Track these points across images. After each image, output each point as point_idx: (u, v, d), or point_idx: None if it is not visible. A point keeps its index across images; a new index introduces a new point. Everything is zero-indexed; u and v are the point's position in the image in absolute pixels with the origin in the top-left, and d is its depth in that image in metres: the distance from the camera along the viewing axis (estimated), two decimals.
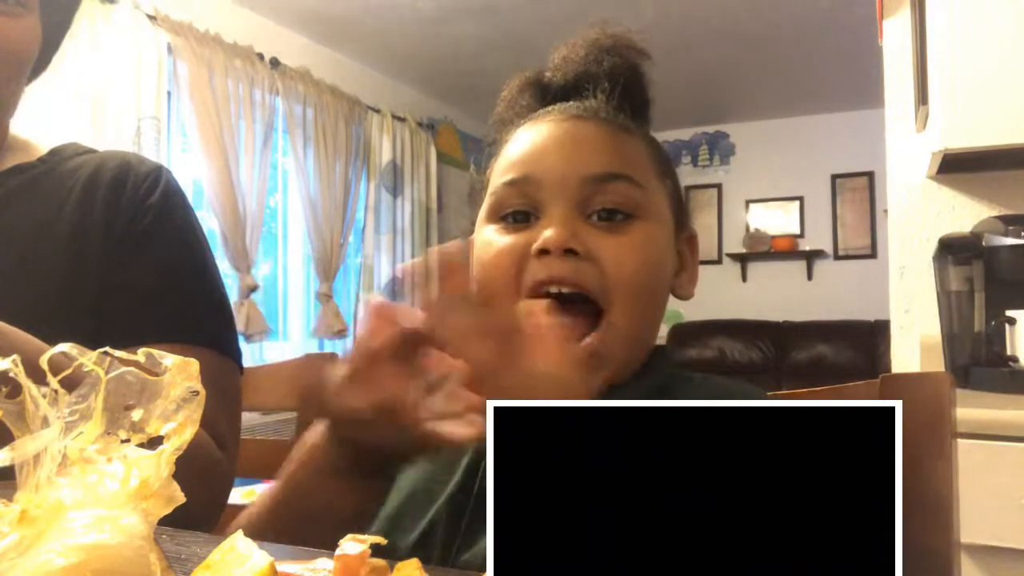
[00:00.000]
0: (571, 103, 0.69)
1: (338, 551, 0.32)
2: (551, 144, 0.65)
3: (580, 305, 0.60)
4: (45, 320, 0.65)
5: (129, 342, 0.71)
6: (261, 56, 3.66)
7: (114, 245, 0.79)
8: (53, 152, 0.86)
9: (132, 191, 0.81)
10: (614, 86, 0.68)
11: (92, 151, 0.87)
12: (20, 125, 0.86)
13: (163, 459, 0.31)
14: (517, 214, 0.64)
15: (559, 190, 0.62)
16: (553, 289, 0.60)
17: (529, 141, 0.66)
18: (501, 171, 0.66)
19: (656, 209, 0.65)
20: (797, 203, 5.63)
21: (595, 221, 0.62)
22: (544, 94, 0.71)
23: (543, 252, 0.60)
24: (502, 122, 0.72)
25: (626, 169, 0.64)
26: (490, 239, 0.65)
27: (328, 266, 4.09)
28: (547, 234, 0.60)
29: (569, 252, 0.60)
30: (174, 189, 0.85)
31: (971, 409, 1.23)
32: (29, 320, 0.63)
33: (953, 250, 1.64)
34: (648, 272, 0.62)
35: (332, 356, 1.09)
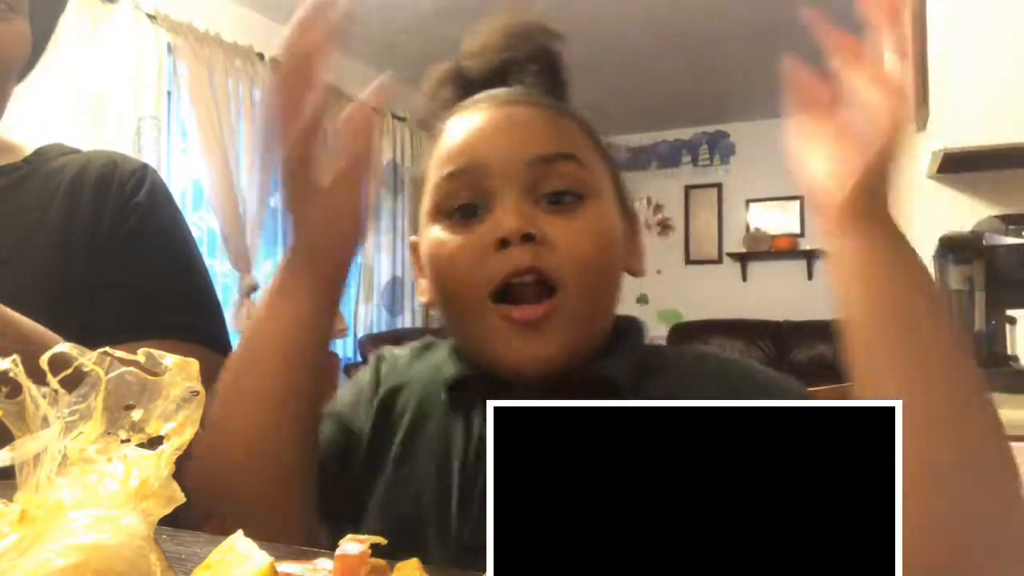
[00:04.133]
0: (499, 90, 0.67)
1: (338, 551, 0.32)
2: (490, 130, 0.63)
3: (536, 286, 0.60)
4: (34, 318, 0.66)
5: (119, 340, 0.72)
6: (261, 56, 3.66)
7: (102, 243, 0.79)
8: (38, 152, 0.86)
9: (118, 189, 0.81)
10: (539, 70, 0.68)
11: (76, 151, 0.87)
12: (19, 124, 0.86)
13: (163, 459, 0.31)
14: (464, 208, 0.62)
15: (505, 176, 0.61)
16: (515, 280, 0.59)
17: (465, 130, 0.64)
18: (439, 164, 0.63)
19: (602, 187, 0.64)
20: (797, 202, 5.62)
21: (545, 205, 0.61)
22: (465, 84, 0.69)
23: (503, 243, 0.59)
24: (429, 116, 0.70)
25: (571, 149, 0.62)
26: (441, 239, 0.62)
27: None
28: (505, 223, 0.59)
29: (527, 237, 0.59)
30: (160, 187, 0.85)
31: None
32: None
33: (953, 249, 1.64)
34: (603, 252, 0.62)
35: (333, 355, 1.09)
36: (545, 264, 0.59)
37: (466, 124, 0.64)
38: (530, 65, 0.68)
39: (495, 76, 0.68)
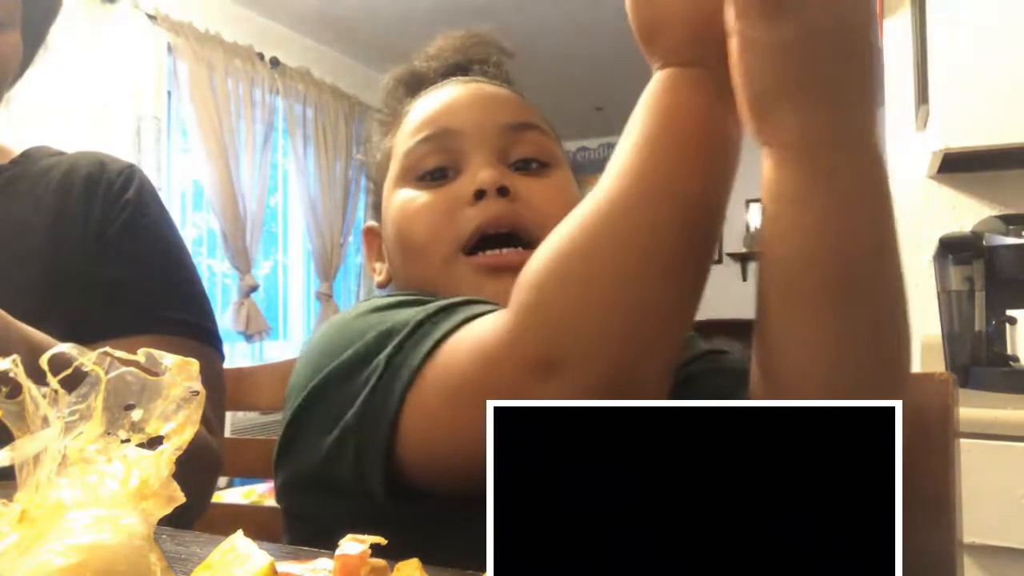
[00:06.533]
0: (461, 77, 0.70)
1: (338, 551, 0.32)
2: (464, 99, 0.66)
3: (510, 239, 0.61)
4: (26, 316, 0.66)
5: (111, 335, 0.73)
6: (261, 56, 3.66)
7: (93, 240, 0.80)
8: (25, 155, 0.88)
9: (107, 188, 0.83)
10: (487, 71, 0.71)
11: (62, 153, 0.89)
12: (18, 125, 0.87)
13: (163, 459, 0.31)
14: (435, 171, 0.63)
15: (479, 139, 0.63)
16: (491, 231, 0.60)
17: (438, 101, 0.66)
18: (411, 133, 0.65)
19: (566, 161, 0.68)
20: None
21: (514, 171, 0.63)
22: (419, 83, 0.72)
23: (478, 195, 0.60)
24: (385, 107, 0.73)
25: (538, 121, 0.66)
26: (410, 197, 0.63)
27: (328, 266, 4.09)
28: (481, 175, 0.61)
29: (502, 191, 0.60)
30: (147, 186, 0.87)
31: (972, 409, 1.22)
32: (10, 315, 0.64)
33: (953, 249, 1.64)
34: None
35: None
36: (521, 219, 0.60)
37: (438, 97, 0.67)
38: (479, 67, 0.71)
39: (448, 75, 0.71)
